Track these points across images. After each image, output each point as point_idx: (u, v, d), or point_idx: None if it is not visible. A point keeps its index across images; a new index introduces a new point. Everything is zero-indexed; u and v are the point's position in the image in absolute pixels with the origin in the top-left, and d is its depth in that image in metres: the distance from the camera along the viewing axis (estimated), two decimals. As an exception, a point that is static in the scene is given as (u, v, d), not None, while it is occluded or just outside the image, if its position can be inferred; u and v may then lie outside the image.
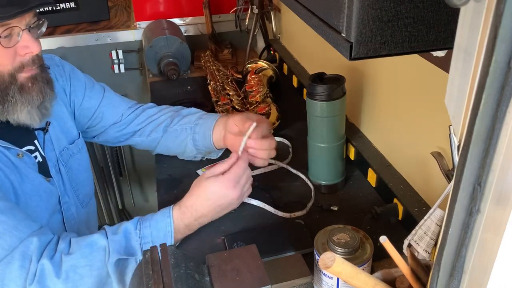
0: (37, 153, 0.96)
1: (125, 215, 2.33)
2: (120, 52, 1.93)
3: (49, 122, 0.99)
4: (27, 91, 0.87)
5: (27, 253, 0.76)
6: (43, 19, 0.90)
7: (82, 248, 0.79)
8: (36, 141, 0.97)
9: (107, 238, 0.81)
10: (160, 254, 0.60)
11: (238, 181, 0.90)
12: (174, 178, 1.12)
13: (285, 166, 1.11)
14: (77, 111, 1.10)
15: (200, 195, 0.88)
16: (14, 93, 0.85)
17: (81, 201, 1.08)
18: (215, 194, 0.88)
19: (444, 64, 0.71)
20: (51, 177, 0.98)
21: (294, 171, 1.08)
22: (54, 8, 1.88)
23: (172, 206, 0.88)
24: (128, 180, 2.25)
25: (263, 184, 1.06)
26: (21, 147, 0.92)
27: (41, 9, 1.82)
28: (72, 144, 1.06)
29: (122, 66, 1.96)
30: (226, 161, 0.91)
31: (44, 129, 0.98)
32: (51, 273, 0.76)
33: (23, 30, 0.83)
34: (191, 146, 1.10)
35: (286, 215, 0.95)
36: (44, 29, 0.91)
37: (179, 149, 1.13)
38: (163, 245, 0.61)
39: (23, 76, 0.86)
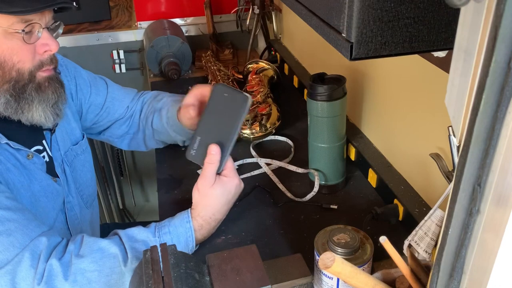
0: (44, 153, 0.97)
1: (125, 214, 2.33)
2: (121, 52, 1.93)
3: (56, 123, 0.99)
4: (43, 90, 0.88)
5: (36, 252, 0.76)
6: (59, 21, 0.92)
7: (94, 253, 0.78)
8: (44, 141, 0.97)
9: (123, 245, 0.80)
10: (160, 254, 0.60)
11: (235, 173, 0.90)
12: (174, 178, 1.12)
13: (285, 165, 1.11)
14: (84, 109, 1.11)
15: (210, 198, 0.87)
16: (31, 91, 0.86)
17: (85, 201, 1.08)
18: (222, 194, 0.87)
19: (444, 65, 0.71)
20: (58, 177, 0.99)
21: (294, 169, 1.08)
22: (55, 8, 1.87)
23: (189, 210, 0.87)
24: (129, 179, 2.26)
25: (264, 183, 1.06)
26: (30, 147, 0.93)
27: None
28: (76, 145, 1.07)
29: (123, 66, 1.96)
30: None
31: (52, 130, 0.98)
32: (59, 274, 0.75)
33: (43, 28, 0.85)
34: (179, 137, 1.08)
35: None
36: (60, 31, 0.93)
37: (173, 138, 1.10)
38: (163, 245, 0.61)
39: (41, 75, 0.88)
